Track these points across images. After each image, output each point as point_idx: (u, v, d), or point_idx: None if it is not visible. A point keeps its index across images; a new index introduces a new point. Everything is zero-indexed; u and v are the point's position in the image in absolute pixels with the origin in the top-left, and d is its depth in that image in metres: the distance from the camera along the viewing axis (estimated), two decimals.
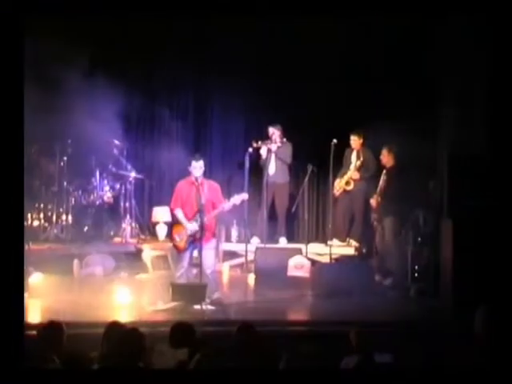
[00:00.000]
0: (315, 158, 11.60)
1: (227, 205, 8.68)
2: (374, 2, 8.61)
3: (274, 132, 11.62)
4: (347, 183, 11.48)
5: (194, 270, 9.05)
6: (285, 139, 11.61)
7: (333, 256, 10.75)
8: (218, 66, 12.27)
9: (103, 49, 11.15)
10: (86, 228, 11.41)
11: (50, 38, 9.78)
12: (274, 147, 11.59)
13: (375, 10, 8.65)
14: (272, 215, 11.77)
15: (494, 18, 6.62)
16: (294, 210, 11.60)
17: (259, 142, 11.56)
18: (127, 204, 11.69)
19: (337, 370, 5.10)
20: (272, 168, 11.65)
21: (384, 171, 10.71)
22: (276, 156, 11.62)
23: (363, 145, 11.46)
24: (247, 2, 8.74)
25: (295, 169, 12.13)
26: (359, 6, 8.56)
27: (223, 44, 11.84)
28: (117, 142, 11.55)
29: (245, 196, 8.86)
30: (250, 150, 11.21)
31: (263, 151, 11.60)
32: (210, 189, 8.68)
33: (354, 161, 11.47)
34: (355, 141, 11.45)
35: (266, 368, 4.80)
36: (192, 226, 8.57)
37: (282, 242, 11.73)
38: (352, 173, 11.44)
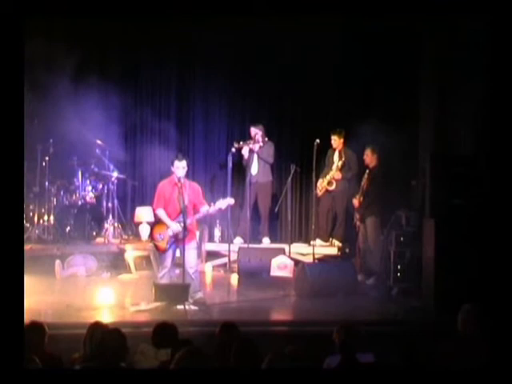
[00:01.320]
0: (298, 158, 11.65)
1: (212, 208, 8.66)
2: (366, 2, 8.63)
3: (257, 132, 11.63)
4: (329, 183, 11.49)
5: (177, 270, 9.04)
6: (266, 139, 11.63)
7: (316, 256, 10.74)
8: (201, 67, 12.28)
9: (86, 50, 11.09)
10: (68, 228, 11.33)
11: (33, 39, 9.73)
12: (256, 147, 11.60)
13: (365, 10, 8.67)
14: (255, 215, 11.78)
15: (491, 19, 6.64)
16: (276, 209, 11.62)
17: (241, 143, 11.57)
18: (110, 204, 11.64)
19: (320, 369, 5.10)
20: (254, 168, 11.66)
21: (367, 171, 10.73)
22: (258, 156, 11.63)
23: (345, 145, 11.47)
24: (230, 3, 8.73)
25: (278, 169, 12.16)
26: (351, 7, 8.57)
27: (206, 44, 11.84)
28: (99, 141, 11.50)
29: (231, 201, 8.84)
30: (233, 150, 11.21)
31: (245, 151, 11.61)
32: (192, 190, 8.66)
33: (336, 161, 11.49)
34: (336, 140, 11.45)
35: (248, 368, 4.79)
36: (175, 226, 8.55)
37: (265, 242, 11.74)
38: (334, 173, 11.45)
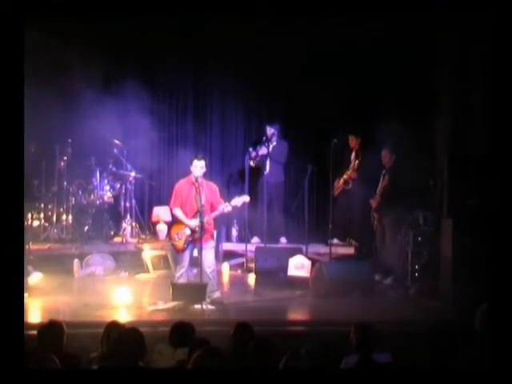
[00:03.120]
0: (315, 158, 11.62)
1: (228, 207, 8.65)
2: (376, 2, 8.63)
3: (273, 132, 11.64)
4: (346, 183, 11.49)
5: (194, 270, 9.05)
6: (281, 138, 11.68)
7: (333, 255, 10.75)
8: (218, 67, 12.30)
9: (102, 50, 11.12)
10: (86, 228, 11.38)
11: (48, 37, 9.79)
12: (270, 147, 11.62)
13: (376, 10, 8.66)
14: (272, 215, 11.76)
15: (494, 17, 6.62)
16: (293, 209, 11.62)
17: (253, 154, 11.62)
18: (127, 204, 11.69)
19: (337, 369, 5.10)
20: (267, 167, 11.67)
21: (384, 171, 10.71)
22: (271, 155, 11.63)
23: (362, 145, 11.46)
24: (246, 3, 8.75)
25: (294, 168, 12.15)
26: (361, 7, 8.57)
27: (222, 44, 11.84)
28: (117, 141, 11.54)
29: (246, 198, 8.83)
30: (251, 149, 11.23)
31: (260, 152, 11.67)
32: (209, 190, 8.67)
33: (353, 161, 11.48)
34: (353, 141, 11.49)
35: (265, 368, 4.79)
36: (193, 222, 8.53)
37: (282, 241, 11.74)
38: (351, 172, 11.45)
